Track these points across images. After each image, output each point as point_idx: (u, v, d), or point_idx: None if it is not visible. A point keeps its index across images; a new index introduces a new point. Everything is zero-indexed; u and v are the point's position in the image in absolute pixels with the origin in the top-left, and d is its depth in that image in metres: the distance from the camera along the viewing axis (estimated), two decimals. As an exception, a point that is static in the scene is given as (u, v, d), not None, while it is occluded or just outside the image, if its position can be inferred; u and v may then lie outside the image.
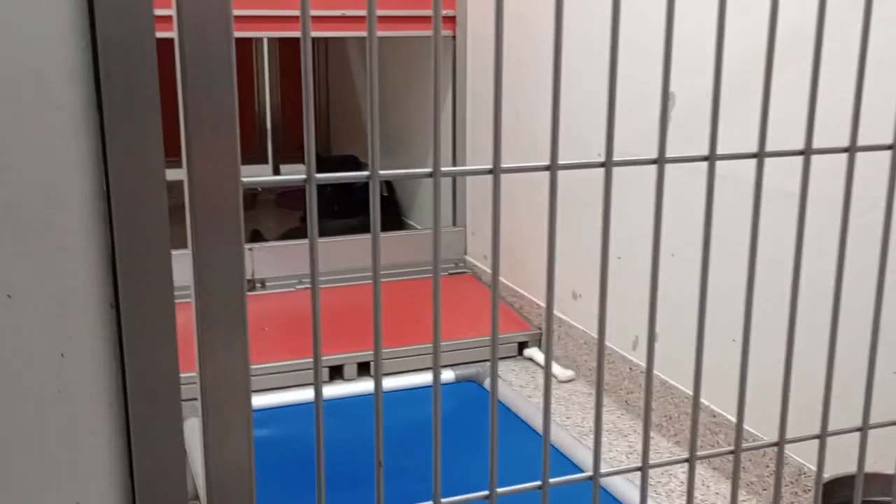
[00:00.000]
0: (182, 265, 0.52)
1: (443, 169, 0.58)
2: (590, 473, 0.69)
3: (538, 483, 0.67)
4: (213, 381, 0.54)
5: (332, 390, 1.78)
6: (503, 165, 0.60)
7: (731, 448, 0.74)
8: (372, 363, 2.13)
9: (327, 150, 3.92)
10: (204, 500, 0.57)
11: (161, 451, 0.53)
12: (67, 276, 0.49)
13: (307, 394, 1.77)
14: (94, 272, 0.50)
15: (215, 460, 0.56)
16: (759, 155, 0.68)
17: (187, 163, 0.51)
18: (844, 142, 0.72)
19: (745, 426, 1.65)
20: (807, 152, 0.70)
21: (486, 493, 0.65)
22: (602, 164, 0.63)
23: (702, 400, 1.76)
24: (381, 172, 0.56)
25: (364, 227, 2.84)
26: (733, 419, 1.72)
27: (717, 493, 1.63)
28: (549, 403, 0.65)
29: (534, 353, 2.28)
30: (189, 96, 0.49)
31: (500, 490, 0.66)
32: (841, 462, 1.42)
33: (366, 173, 0.56)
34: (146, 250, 0.50)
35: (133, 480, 0.54)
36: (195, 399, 0.55)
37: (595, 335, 2.15)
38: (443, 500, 0.64)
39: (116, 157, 0.49)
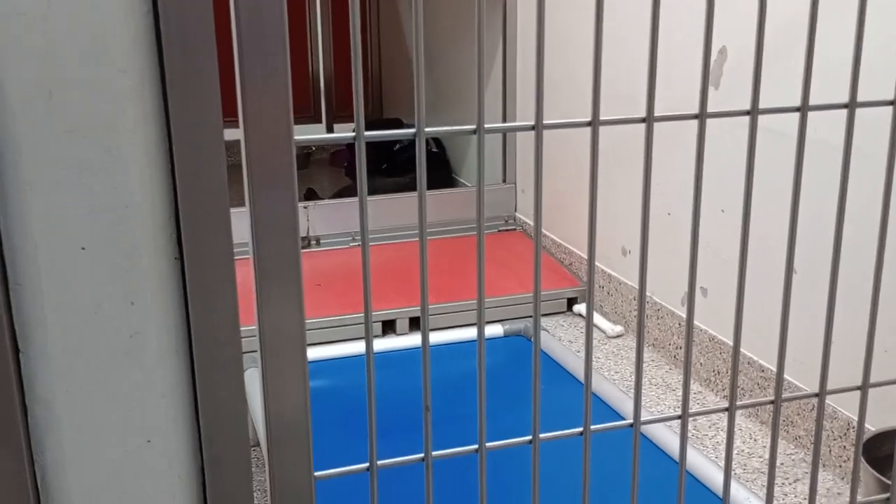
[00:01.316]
0: (240, 223, 0.55)
1: (486, 126, 0.60)
2: (630, 421, 0.71)
3: (580, 430, 0.70)
4: (272, 331, 0.58)
5: (383, 344, 1.83)
6: (546, 122, 0.62)
7: (772, 398, 0.75)
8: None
9: (379, 112, 3.95)
10: (264, 445, 0.61)
11: (224, 393, 0.57)
12: (135, 231, 0.53)
13: (360, 347, 1.81)
14: (159, 227, 0.53)
15: (274, 406, 0.59)
16: (803, 109, 0.69)
17: (243, 121, 0.54)
18: (892, 95, 0.72)
19: (795, 381, 1.65)
20: (851, 105, 0.70)
21: (528, 437, 0.68)
22: (643, 120, 0.64)
23: (750, 355, 1.77)
24: (426, 129, 0.58)
25: (414, 185, 2.87)
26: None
27: (764, 447, 1.64)
28: (591, 348, 0.67)
29: (582, 308, 2.30)
30: (244, 57, 0.52)
31: (542, 435, 0.68)
32: (891, 417, 1.42)
33: (412, 130, 0.58)
34: (207, 205, 0.54)
35: (199, 422, 0.58)
36: (254, 351, 0.58)
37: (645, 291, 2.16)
38: (488, 443, 0.67)
39: (178, 118, 0.52)
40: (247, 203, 0.55)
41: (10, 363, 0.53)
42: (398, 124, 3.50)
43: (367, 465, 0.64)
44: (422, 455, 0.66)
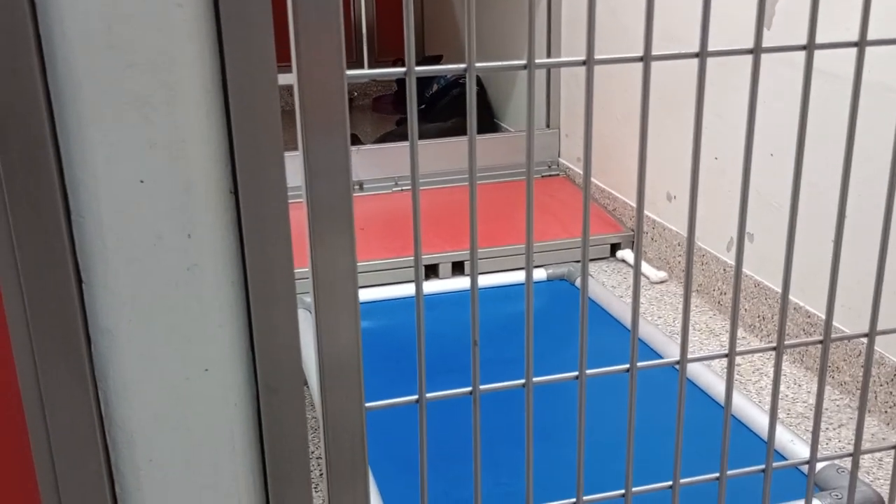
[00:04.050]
0: (291, 167, 0.56)
1: (537, 61, 0.59)
2: (676, 359, 0.72)
3: (626, 366, 0.71)
4: (324, 271, 0.59)
5: (427, 287, 1.84)
6: (597, 57, 0.61)
7: (820, 338, 0.75)
8: (467, 262, 2.18)
9: (422, 53, 3.92)
10: (316, 377, 0.63)
11: (278, 324, 0.58)
12: (192, 165, 0.54)
13: (403, 289, 1.83)
14: (215, 161, 0.54)
15: (327, 338, 0.61)
16: (860, 44, 0.67)
17: (296, 62, 0.54)
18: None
19: (842, 326, 1.64)
20: (912, 40, 0.68)
21: (575, 373, 0.69)
22: (696, 55, 0.63)
23: (796, 301, 1.75)
24: (477, 65, 0.58)
25: (456, 130, 2.86)
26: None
27: (809, 392, 1.64)
28: (639, 281, 0.67)
29: (626, 254, 2.29)
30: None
31: (589, 371, 0.69)
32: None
33: (462, 66, 0.58)
34: (261, 138, 0.54)
35: (254, 352, 0.60)
36: (305, 293, 0.59)
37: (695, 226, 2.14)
38: (535, 378, 0.68)
39: (232, 53, 0.53)
40: (300, 144, 0.56)
41: (74, 294, 0.55)
42: (437, 61, 3.48)
43: (415, 397, 0.65)
44: (469, 389, 0.67)
